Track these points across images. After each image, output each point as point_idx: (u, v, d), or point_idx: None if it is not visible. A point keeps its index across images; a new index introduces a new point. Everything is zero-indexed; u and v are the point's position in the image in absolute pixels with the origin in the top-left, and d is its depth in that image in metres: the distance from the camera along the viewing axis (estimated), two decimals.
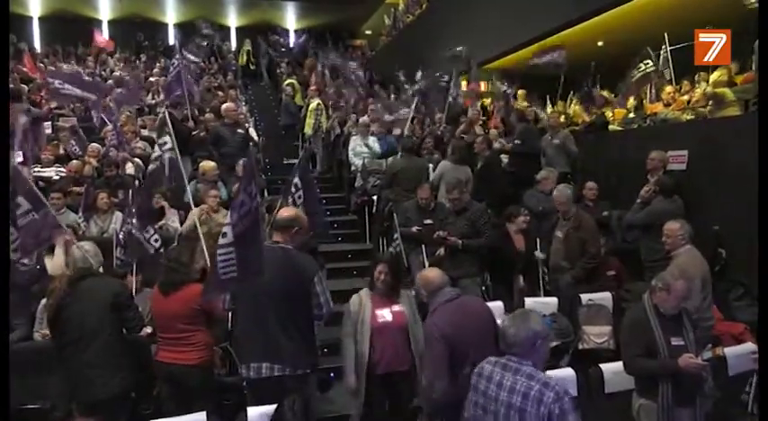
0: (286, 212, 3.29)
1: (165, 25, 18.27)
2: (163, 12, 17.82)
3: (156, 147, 5.10)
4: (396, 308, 3.39)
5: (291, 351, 2.93)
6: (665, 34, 7.26)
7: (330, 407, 4.05)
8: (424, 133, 7.95)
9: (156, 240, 4.47)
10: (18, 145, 6.28)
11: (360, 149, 7.40)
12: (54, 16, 16.80)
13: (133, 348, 3.38)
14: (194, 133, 7.30)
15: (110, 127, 7.58)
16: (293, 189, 4.29)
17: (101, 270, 3.61)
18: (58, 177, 6.45)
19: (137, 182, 6.41)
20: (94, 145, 7.05)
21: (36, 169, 6.49)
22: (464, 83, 9.38)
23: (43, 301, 4.09)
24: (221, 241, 2.70)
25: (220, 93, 10.86)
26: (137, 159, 6.86)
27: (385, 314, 3.36)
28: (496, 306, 3.92)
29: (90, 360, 3.14)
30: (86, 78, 10.41)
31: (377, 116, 8.09)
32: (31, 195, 3.61)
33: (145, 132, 8.12)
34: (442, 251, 4.92)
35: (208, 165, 6.11)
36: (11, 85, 9.60)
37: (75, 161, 6.66)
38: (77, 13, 16.85)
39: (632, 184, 5.52)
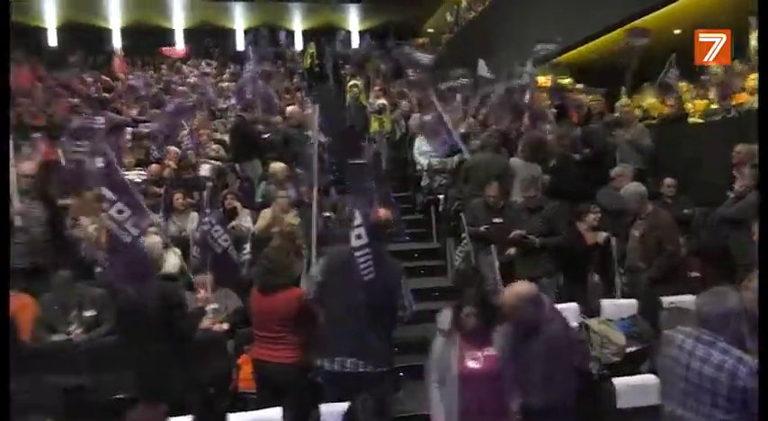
0: (383, 213, 3.34)
1: (234, 32, 18.90)
2: (231, 19, 18.45)
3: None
4: (487, 351, 2.95)
5: (375, 349, 3.01)
6: (750, 19, 6.78)
7: (400, 407, 4.06)
8: (489, 129, 7.81)
9: (225, 240, 4.59)
10: (102, 150, 6.67)
11: (425, 148, 7.38)
12: (131, 28, 17.74)
13: (208, 344, 3.51)
14: (264, 136, 7.52)
15: (186, 131, 7.94)
16: (367, 191, 4.34)
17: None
18: (139, 180, 6.80)
19: (210, 183, 6.68)
20: (172, 148, 7.39)
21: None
22: (541, 78, 9.11)
23: None
24: (357, 243, 2.78)
25: (287, 95, 11.15)
26: (211, 161, 7.13)
27: (474, 360, 2.92)
28: (571, 308, 3.80)
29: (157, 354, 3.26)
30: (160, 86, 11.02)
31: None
32: (118, 187, 3.83)
33: (217, 136, 8.45)
34: (512, 250, 4.82)
35: (277, 166, 6.27)
36: (96, 95, 10.27)
37: (154, 164, 7.00)
38: (153, 24, 17.72)
39: (715, 180, 5.20)
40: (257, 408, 3.24)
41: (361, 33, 18.94)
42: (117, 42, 17.70)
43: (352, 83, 11.14)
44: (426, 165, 7.30)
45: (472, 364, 2.89)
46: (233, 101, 10.06)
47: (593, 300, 4.50)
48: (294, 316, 3.41)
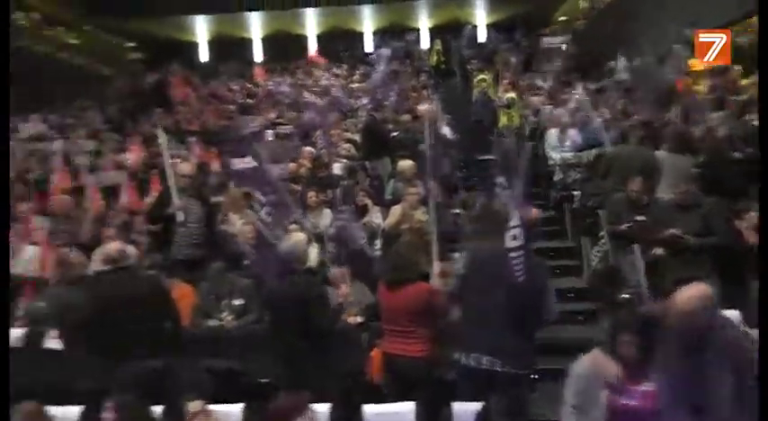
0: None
1: (362, 34, 19.48)
2: (360, 22, 19.03)
3: None
4: (645, 386, 2.54)
5: (515, 349, 2.93)
6: None
7: (533, 411, 3.92)
8: (631, 119, 7.29)
9: (362, 237, 4.75)
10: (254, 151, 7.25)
11: (558, 142, 7.08)
12: (270, 37, 18.99)
13: (345, 336, 3.65)
14: (393, 134, 7.67)
15: (320, 131, 8.35)
16: (498, 187, 4.24)
17: None
18: None
19: (343, 181, 6.96)
20: (307, 148, 7.79)
21: None
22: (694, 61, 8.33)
23: None
24: (513, 243, 2.81)
25: (414, 93, 11.27)
26: (343, 160, 7.42)
27: (629, 395, 2.54)
28: (733, 315, 3.42)
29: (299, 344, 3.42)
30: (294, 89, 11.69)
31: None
32: (268, 186, 4.12)
33: (349, 135, 8.77)
34: (659, 250, 4.44)
35: (405, 163, 6.34)
36: (241, 101, 11.13)
37: (292, 163, 7.43)
38: (290, 32, 18.83)
39: None
40: (391, 401, 3.30)
41: (488, 27, 18.59)
42: (258, 51, 19.07)
43: (480, 77, 10.98)
44: (559, 160, 7.00)
45: (626, 401, 2.53)
46: (363, 101, 10.38)
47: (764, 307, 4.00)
48: (422, 310, 3.43)
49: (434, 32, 18.39)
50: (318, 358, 3.31)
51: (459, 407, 2.99)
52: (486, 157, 8.43)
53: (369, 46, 18.73)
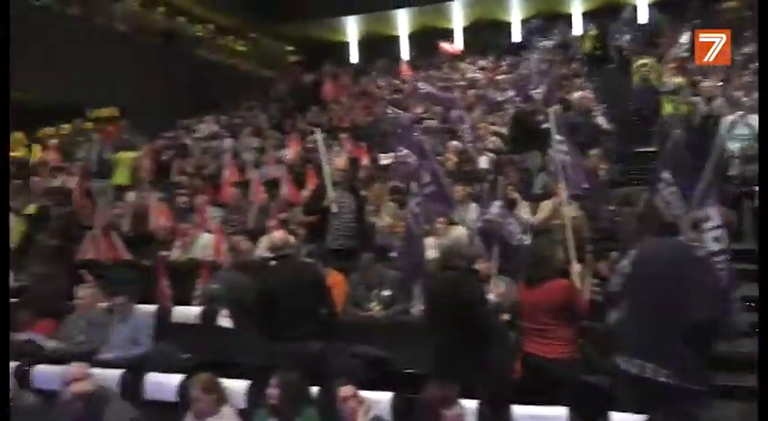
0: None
1: (509, 24, 18.95)
2: (507, 11, 18.53)
3: None
4: None
5: (685, 360, 2.67)
6: None
7: None
8: None
9: (517, 233, 4.62)
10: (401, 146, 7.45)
11: (738, 131, 6.30)
12: (417, 33, 19.24)
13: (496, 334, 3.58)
14: (544, 126, 7.35)
15: (466, 125, 8.28)
16: (661, 184, 3.87)
17: None
18: None
19: (490, 175, 6.84)
20: (453, 142, 7.77)
21: None
22: None
23: None
24: (716, 246, 2.65)
25: (565, 82, 10.74)
26: (490, 153, 7.29)
27: None
28: None
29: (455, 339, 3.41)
30: (442, 84, 11.71)
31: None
32: (431, 170, 4.21)
33: (495, 128, 8.59)
34: None
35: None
36: (388, 97, 11.43)
37: (438, 158, 7.45)
38: (436, 27, 18.91)
39: None
40: (541, 404, 3.18)
41: (651, 6, 17.05)
42: (404, 48, 19.45)
43: (640, 62, 10.10)
44: (738, 151, 6.21)
45: None
46: (510, 93, 10.11)
47: None
48: (561, 308, 3.30)
49: (588, 17, 17.32)
50: (470, 354, 3.28)
51: (618, 418, 2.78)
52: (646, 149, 7.76)
53: (516, 35, 18.20)
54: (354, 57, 19.97)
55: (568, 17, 18.02)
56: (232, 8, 17.06)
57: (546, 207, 5.50)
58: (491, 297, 4.21)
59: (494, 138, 8.06)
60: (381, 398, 3.34)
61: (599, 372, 3.56)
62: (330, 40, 19.83)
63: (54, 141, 11.07)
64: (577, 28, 17.49)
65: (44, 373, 4.00)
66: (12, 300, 5.00)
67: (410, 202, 4.16)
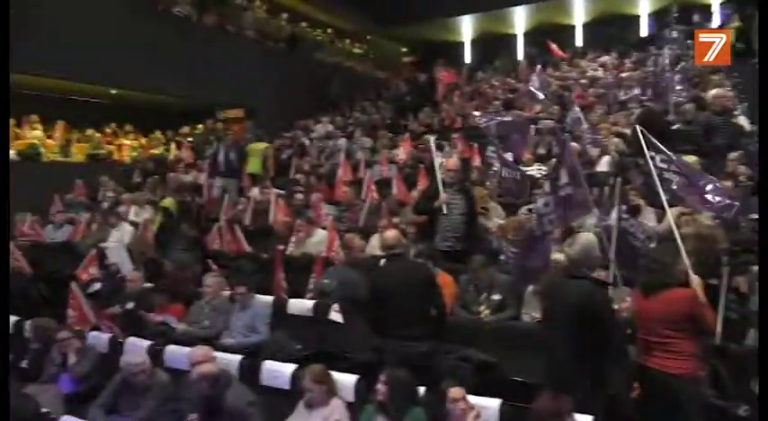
0: None
1: (638, 17, 17.77)
2: (634, 4, 17.37)
3: None
4: None
5: None
6: None
7: None
8: None
9: (644, 239, 4.34)
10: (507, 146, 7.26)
11: None
12: (535, 31, 18.61)
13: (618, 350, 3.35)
14: (674, 127, 6.83)
15: (585, 126, 7.88)
16: None
17: None
18: (539, 175, 7.08)
19: (612, 178, 6.43)
20: (573, 144, 7.42)
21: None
22: None
23: (530, 288, 4.56)
24: None
25: (696, 78, 9.91)
26: (613, 154, 6.89)
27: None
28: None
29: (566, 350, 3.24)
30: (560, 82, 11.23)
31: None
32: (572, 171, 4.25)
33: (618, 129, 8.10)
34: None
35: (688, 159, 5.58)
36: (503, 97, 11.18)
37: (554, 160, 7.16)
38: (556, 23, 18.17)
39: None
40: None
41: None
42: (521, 46, 18.92)
43: None
44: None
45: None
46: (636, 91, 9.49)
47: None
48: (682, 319, 3.06)
49: (729, 8, 15.77)
50: (589, 368, 3.10)
51: None
52: None
53: (644, 30, 17.05)
54: (468, 57, 19.77)
55: (706, 7, 16.55)
56: (349, 12, 17.59)
57: (673, 214, 5.08)
58: (624, 313, 3.97)
59: (616, 140, 7.60)
60: (489, 405, 3.26)
61: (733, 399, 3.24)
62: (444, 39, 19.78)
63: (188, 140, 12.10)
64: (715, 21, 16.01)
65: (174, 353, 4.35)
66: (147, 284, 5.55)
67: (537, 202, 4.00)
